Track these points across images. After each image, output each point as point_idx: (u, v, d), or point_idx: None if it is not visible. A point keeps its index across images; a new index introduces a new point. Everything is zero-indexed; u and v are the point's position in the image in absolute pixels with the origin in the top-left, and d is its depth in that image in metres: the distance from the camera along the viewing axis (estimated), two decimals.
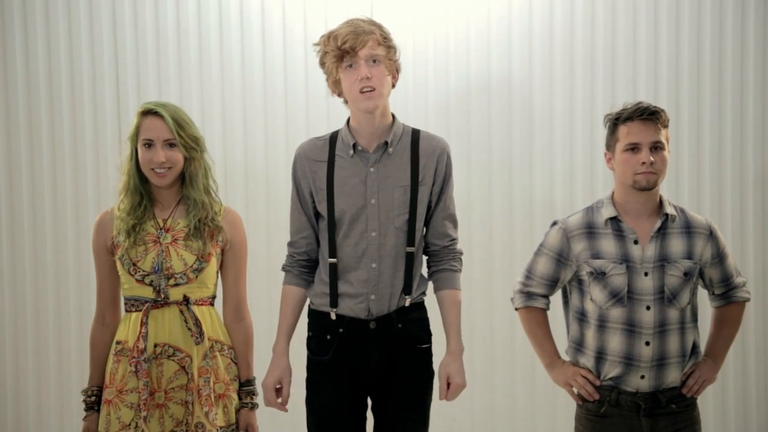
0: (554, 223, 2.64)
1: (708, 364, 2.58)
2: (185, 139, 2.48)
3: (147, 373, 2.45)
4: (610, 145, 2.54)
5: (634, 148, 2.45)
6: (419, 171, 2.46)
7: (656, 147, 2.45)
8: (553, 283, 2.61)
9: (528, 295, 2.63)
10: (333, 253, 2.47)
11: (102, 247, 2.57)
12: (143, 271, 2.49)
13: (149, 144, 2.47)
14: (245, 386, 2.60)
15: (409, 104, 3.69)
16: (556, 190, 3.74)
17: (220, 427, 2.51)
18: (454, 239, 2.55)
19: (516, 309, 2.69)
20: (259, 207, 3.74)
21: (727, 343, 2.65)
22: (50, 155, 3.79)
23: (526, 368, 3.75)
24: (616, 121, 2.51)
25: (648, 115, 2.45)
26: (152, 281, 2.48)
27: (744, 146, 3.73)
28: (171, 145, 2.47)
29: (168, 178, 2.49)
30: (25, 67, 3.78)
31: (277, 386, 2.52)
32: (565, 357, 2.64)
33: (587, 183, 3.73)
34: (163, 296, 2.48)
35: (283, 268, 2.60)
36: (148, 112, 2.48)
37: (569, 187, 3.73)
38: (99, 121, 3.77)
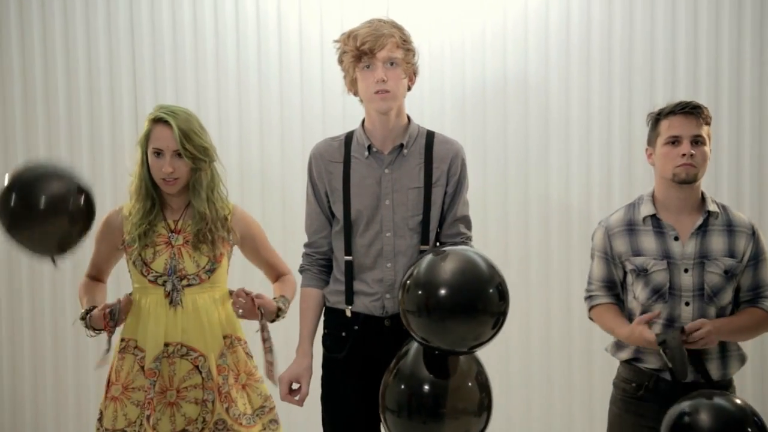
0: (599, 224, 2.67)
1: (716, 324, 2.42)
2: (191, 151, 2.47)
3: (153, 373, 2.47)
4: (652, 140, 2.56)
5: (674, 141, 2.48)
6: (432, 173, 2.47)
7: (697, 141, 2.47)
8: (610, 284, 2.60)
9: (590, 299, 2.64)
10: (348, 251, 2.48)
11: (108, 242, 2.61)
12: (156, 272, 2.51)
13: (159, 153, 2.48)
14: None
15: (425, 105, 3.69)
16: (572, 191, 3.73)
17: (244, 414, 2.54)
18: (468, 236, 2.55)
19: (590, 318, 2.68)
20: (275, 212, 3.76)
21: (737, 328, 2.49)
22: (68, 157, 3.82)
23: (542, 367, 3.75)
24: (658, 117, 2.54)
25: (690, 110, 2.48)
26: (165, 282, 2.51)
27: None
28: (179, 155, 2.48)
29: (176, 186, 2.51)
30: (44, 71, 3.82)
31: (296, 386, 2.53)
32: (606, 353, 2.64)
33: (604, 184, 3.71)
34: (174, 296, 2.51)
35: (301, 269, 2.61)
36: (158, 120, 2.49)
37: (585, 189, 3.72)
38: (116, 129, 3.81)
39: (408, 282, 2.08)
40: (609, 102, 3.70)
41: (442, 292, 2.00)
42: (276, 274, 2.74)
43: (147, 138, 2.50)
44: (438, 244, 2.54)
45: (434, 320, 2.02)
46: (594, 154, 3.72)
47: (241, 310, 2.52)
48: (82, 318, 2.52)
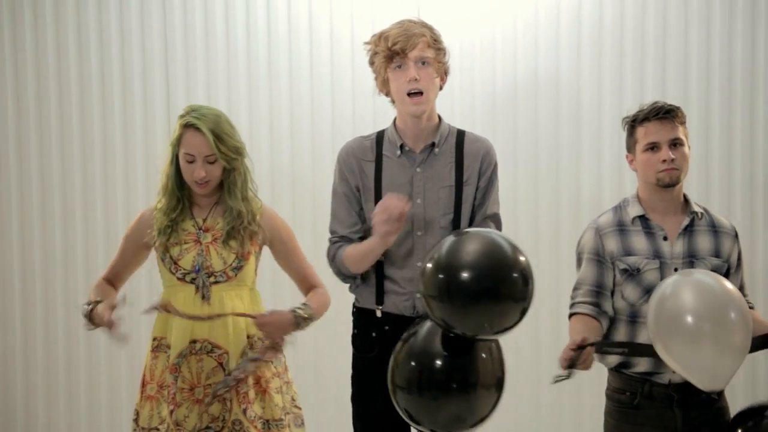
0: (588, 226, 2.63)
1: None
2: (226, 153, 2.49)
3: (175, 368, 2.49)
4: (630, 147, 2.57)
5: (653, 147, 2.47)
6: (464, 171, 2.47)
7: (675, 144, 2.47)
8: (598, 289, 2.53)
9: (573, 306, 2.57)
10: None
11: (137, 238, 2.64)
12: (183, 269, 2.53)
13: (191, 159, 2.50)
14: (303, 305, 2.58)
15: (456, 102, 3.68)
16: (603, 189, 3.71)
17: (260, 418, 2.52)
18: None
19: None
20: (306, 213, 3.77)
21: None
22: (102, 157, 3.88)
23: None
24: (633, 123, 2.53)
25: (664, 114, 2.47)
26: (193, 279, 2.53)
27: None
28: (211, 161, 2.49)
29: (208, 188, 2.54)
30: (79, 69, 3.87)
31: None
32: (594, 356, 2.59)
33: (635, 182, 3.66)
34: (205, 292, 2.52)
35: (330, 253, 2.55)
36: (190, 126, 2.49)
37: (617, 186, 3.68)
38: (149, 129, 3.85)
39: (428, 266, 2.03)
40: (641, 98, 3.64)
41: (465, 275, 1.96)
42: (307, 286, 2.68)
43: (178, 141, 2.53)
44: None
45: (456, 305, 1.98)
46: (625, 149, 3.68)
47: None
48: (86, 315, 2.52)
